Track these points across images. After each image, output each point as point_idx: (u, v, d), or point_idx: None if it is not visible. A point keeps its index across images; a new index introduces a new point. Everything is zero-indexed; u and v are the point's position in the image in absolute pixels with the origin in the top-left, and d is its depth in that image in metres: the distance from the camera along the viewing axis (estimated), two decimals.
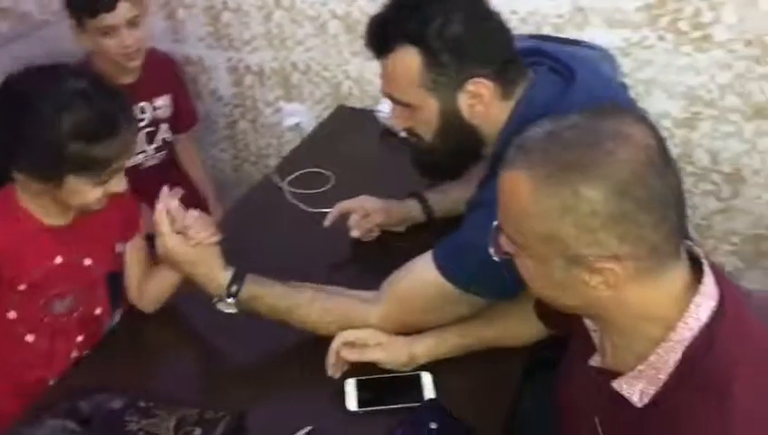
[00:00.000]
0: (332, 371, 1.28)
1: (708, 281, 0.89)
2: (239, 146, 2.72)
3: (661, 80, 1.98)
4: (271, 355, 1.36)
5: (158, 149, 2.13)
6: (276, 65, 2.44)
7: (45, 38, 2.20)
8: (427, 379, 1.27)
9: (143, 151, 2.08)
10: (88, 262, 1.40)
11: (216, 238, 1.33)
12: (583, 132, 0.86)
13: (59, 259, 1.36)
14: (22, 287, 1.34)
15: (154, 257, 1.42)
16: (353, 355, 1.28)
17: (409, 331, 1.30)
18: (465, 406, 1.20)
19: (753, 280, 2.09)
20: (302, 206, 1.74)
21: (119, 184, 1.31)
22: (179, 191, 1.34)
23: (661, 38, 1.93)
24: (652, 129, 0.88)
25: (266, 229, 1.69)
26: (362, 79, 2.33)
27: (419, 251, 1.32)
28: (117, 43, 1.89)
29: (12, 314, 1.37)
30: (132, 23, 1.88)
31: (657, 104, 1.98)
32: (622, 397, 0.91)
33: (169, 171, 2.19)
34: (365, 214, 1.61)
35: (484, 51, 1.27)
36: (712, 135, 2.00)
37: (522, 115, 1.25)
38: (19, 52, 2.02)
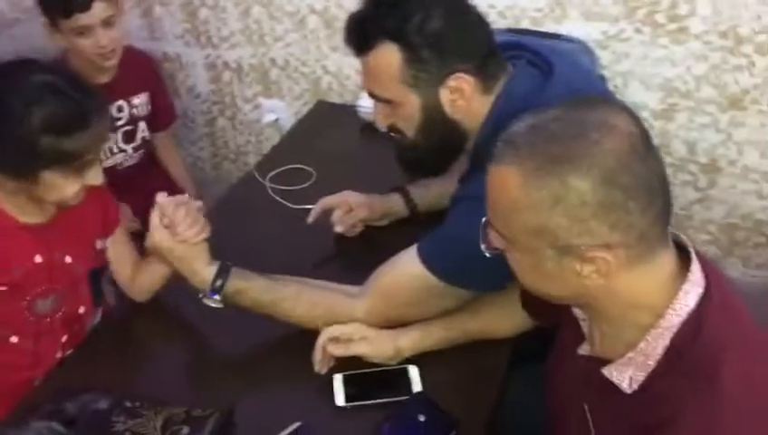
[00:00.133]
0: (319, 367, 1.29)
1: (695, 268, 0.90)
2: (218, 143, 2.70)
3: (638, 72, 1.99)
4: (258, 351, 1.36)
5: (136, 148, 2.10)
6: (255, 61, 2.43)
7: (16, 36, 2.15)
8: (414, 372, 1.28)
9: (122, 151, 2.06)
10: (68, 259, 1.39)
11: (203, 236, 1.32)
12: (568, 124, 0.87)
13: (38, 258, 1.35)
14: (3, 288, 1.33)
15: (140, 251, 1.41)
16: (339, 350, 1.28)
17: (395, 325, 1.31)
18: (451, 398, 1.21)
19: (730, 268, 2.12)
20: (284, 202, 1.74)
21: (96, 177, 1.30)
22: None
23: (638, 30, 1.94)
24: (635, 117, 0.90)
25: (249, 226, 1.68)
26: (341, 74, 2.33)
27: (403, 245, 1.32)
28: (92, 44, 1.85)
29: None
30: (107, 22, 1.85)
31: (634, 96, 2.00)
32: (612, 384, 0.92)
33: (149, 170, 2.17)
34: (348, 209, 1.61)
35: (465, 46, 1.27)
36: (688, 126, 2.02)
37: (501, 109, 1.25)
38: None
